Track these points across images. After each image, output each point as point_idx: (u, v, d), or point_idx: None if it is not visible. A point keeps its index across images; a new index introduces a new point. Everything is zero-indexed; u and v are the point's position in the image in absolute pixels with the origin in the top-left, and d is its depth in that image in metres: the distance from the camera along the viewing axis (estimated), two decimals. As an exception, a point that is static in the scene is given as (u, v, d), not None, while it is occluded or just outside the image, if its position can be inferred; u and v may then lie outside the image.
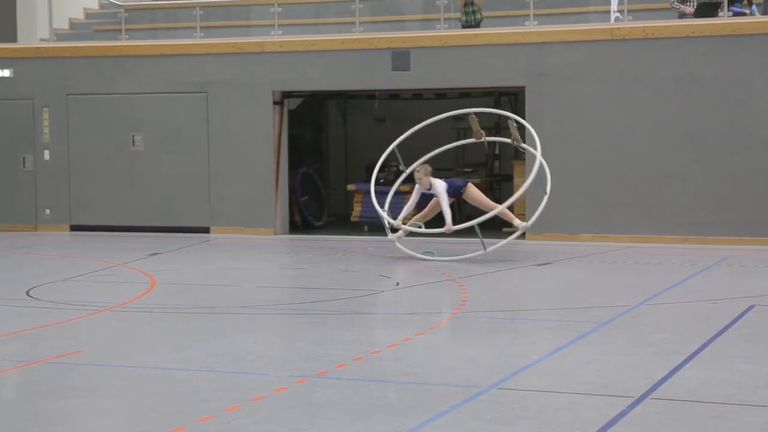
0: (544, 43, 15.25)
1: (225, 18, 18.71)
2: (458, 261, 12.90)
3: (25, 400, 6.56)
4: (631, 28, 14.99)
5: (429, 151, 14.11)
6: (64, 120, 17.09)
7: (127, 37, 17.75)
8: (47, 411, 6.27)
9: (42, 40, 18.38)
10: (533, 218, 13.18)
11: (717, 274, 12.05)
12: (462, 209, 15.94)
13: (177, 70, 16.69)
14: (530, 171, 13.27)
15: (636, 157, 14.87)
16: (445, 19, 16.39)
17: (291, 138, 16.86)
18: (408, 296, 10.95)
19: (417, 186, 13.25)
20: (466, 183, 13.39)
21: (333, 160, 19.57)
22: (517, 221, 13.20)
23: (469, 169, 16.09)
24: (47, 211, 17.23)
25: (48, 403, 6.42)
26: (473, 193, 13.28)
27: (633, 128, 14.87)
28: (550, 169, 15.11)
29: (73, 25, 19.97)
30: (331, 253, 14.13)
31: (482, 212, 13.25)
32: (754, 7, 15.42)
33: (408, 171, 13.86)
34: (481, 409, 6.19)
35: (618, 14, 15.84)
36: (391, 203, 13.88)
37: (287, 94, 16.73)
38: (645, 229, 14.80)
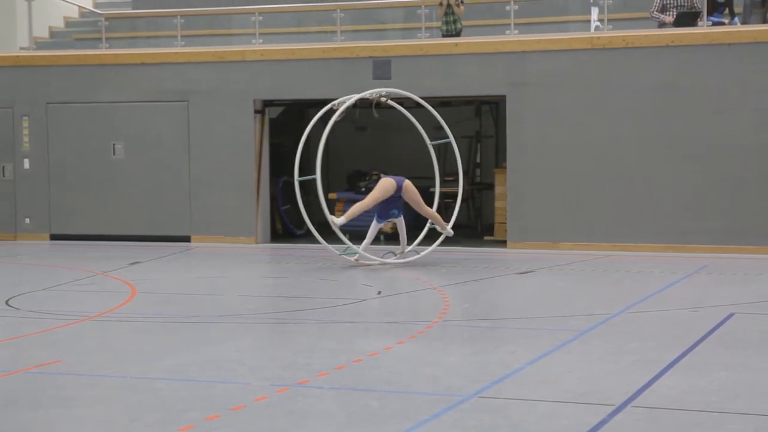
0: (524, 52, 15.30)
1: (206, 27, 18.69)
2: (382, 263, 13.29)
3: (5, 410, 6.52)
4: (611, 37, 15.05)
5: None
6: (44, 129, 17.03)
7: (108, 45, 17.71)
8: (27, 421, 6.24)
9: (22, 48, 18.31)
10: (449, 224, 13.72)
11: (697, 282, 12.09)
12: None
13: (158, 79, 16.66)
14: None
15: (617, 165, 14.93)
16: (426, 29, 16.43)
17: (272, 146, 16.85)
18: (389, 305, 10.95)
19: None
20: (403, 181, 13.43)
21: (314, 169, 19.51)
22: (447, 228, 13.69)
23: (450, 178, 16.09)
24: (27, 220, 17.16)
25: (28, 413, 6.39)
26: (410, 190, 13.32)
27: (613, 137, 14.93)
28: (531, 177, 15.19)
29: (53, 33, 19.91)
30: (312, 262, 14.11)
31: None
32: (735, 18, 15.50)
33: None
34: (462, 417, 6.19)
35: (598, 23, 15.90)
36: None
37: (268, 103, 16.72)
38: (626, 237, 14.85)
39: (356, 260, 13.48)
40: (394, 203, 13.36)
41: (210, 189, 16.48)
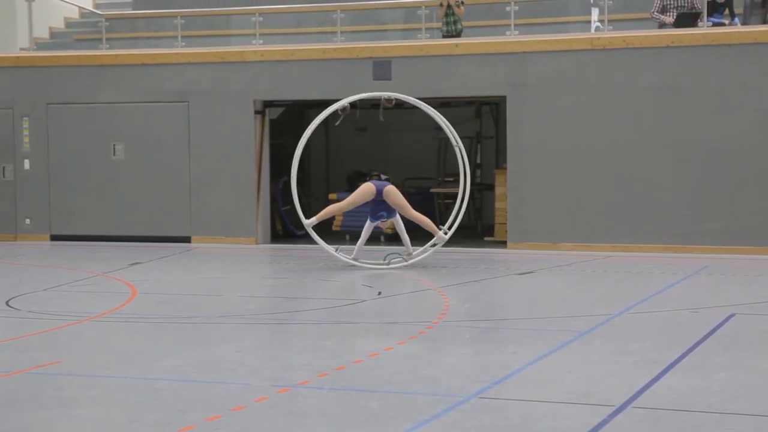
0: (525, 52, 15.30)
1: (206, 27, 18.69)
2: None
3: (5, 410, 6.52)
4: (612, 37, 15.05)
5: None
6: (45, 129, 17.03)
7: (108, 46, 17.71)
8: (27, 421, 6.24)
9: (22, 49, 18.32)
10: (451, 231, 13.41)
11: (697, 283, 12.09)
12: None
13: (158, 80, 16.66)
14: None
15: (616, 166, 14.93)
16: (426, 29, 16.43)
17: (272, 147, 16.85)
18: (390, 305, 10.94)
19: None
20: (385, 185, 13.43)
21: (314, 169, 19.56)
22: (439, 233, 13.33)
23: (450, 179, 16.11)
24: (27, 221, 17.16)
25: (28, 414, 6.39)
26: (392, 195, 13.29)
27: (613, 137, 14.93)
28: (532, 178, 15.19)
29: (53, 34, 19.91)
30: (312, 263, 14.11)
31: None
32: (736, 19, 15.50)
33: None
34: (462, 418, 6.19)
35: (598, 24, 15.90)
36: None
37: (268, 104, 16.72)
38: (626, 237, 14.85)
39: (354, 259, 13.45)
40: (380, 206, 13.32)
41: (210, 189, 16.48)
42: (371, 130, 18.33)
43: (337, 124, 14.23)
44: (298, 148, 13.59)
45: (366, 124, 18.13)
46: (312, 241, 13.90)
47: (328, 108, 13.76)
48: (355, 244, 13.73)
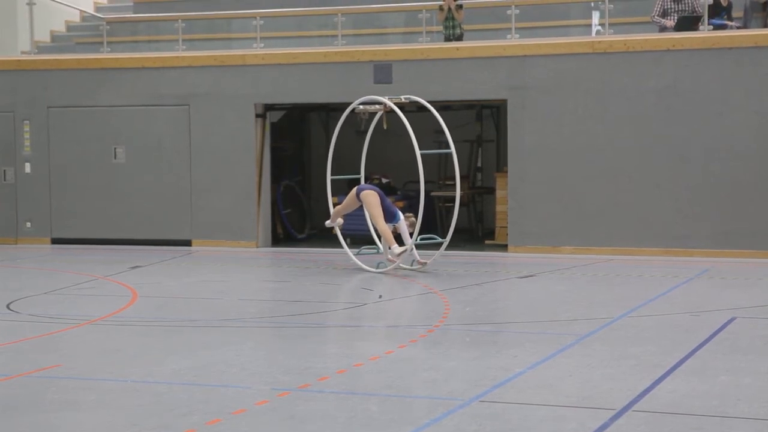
0: (525, 56, 15.30)
1: (207, 31, 18.70)
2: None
3: (5, 413, 6.53)
4: (612, 41, 15.06)
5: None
6: (45, 132, 17.04)
7: (109, 49, 17.72)
8: (27, 425, 6.24)
9: (23, 52, 18.33)
10: (404, 248, 12.97)
11: (698, 286, 12.09)
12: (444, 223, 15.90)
13: (158, 83, 16.67)
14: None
15: (617, 169, 14.93)
16: (426, 33, 16.43)
17: (273, 150, 16.85)
18: (390, 309, 10.95)
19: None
20: (363, 189, 13.43)
21: (315, 173, 19.55)
22: (394, 246, 12.92)
23: (451, 182, 16.09)
24: (28, 224, 17.16)
25: (28, 417, 6.39)
26: (366, 201, 13.24)
27: (614, 141, 14.93)
28: (532, 181, 15.19)
29: (54, 37, 19.92)
30: (313, 266, 14.12)
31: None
32: (733, 22, 15.49)
33: None
34: (463, 421, 6.20)
35: (599, 27, 15.92)
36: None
37: (269, 107, 16.72)
38: (626, 241, 14.85)
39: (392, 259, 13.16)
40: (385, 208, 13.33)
41: (211, 193, 16.48)
42: (372, 134, 18.32)
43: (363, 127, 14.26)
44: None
45: (366, 127, 18.14)
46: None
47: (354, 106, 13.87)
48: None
